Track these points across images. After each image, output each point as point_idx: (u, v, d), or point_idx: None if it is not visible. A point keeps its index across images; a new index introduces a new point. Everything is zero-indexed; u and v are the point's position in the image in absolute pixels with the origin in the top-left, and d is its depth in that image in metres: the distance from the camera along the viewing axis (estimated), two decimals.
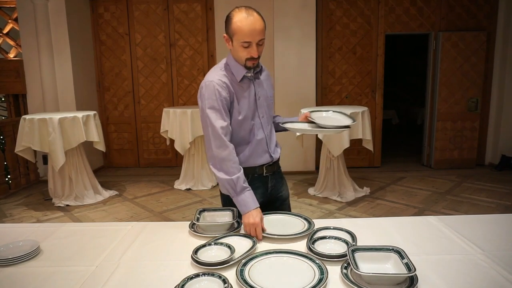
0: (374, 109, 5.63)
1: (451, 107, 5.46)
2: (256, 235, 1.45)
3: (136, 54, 5.91)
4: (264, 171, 1.74)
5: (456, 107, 5.46)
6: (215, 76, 1.60)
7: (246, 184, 1.58)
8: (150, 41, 5.87)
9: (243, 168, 1.62)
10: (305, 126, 1.81)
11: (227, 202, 1.78)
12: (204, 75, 1.80)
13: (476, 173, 5.33)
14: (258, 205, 1.56)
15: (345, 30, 5.52)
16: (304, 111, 4.27)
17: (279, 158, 1.85)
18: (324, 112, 1.91)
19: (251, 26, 1.49)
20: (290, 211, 1.91)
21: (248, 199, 1.55)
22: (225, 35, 1.60)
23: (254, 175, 1.72)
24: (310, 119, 1.79)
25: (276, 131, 1.91)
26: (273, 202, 1.85)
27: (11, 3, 5.43)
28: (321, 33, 5.51)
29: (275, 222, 1.57)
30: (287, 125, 1.80)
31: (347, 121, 1.82)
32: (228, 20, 1.55)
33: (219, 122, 1.56)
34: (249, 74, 1.66)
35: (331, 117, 1.87)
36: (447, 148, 5.57)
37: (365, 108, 4.28)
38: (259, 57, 1.59)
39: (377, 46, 5.53)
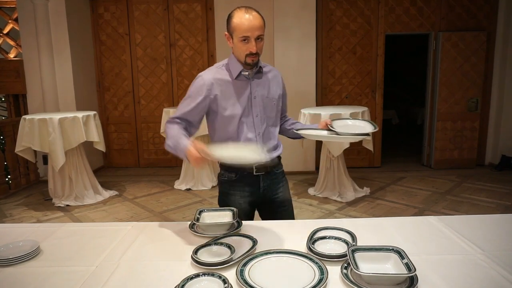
0: (374, 109, 5.63)
1: (451, 107, 5.46)
2: (207, 158, 1.40)
3: (136, 54, 5.91)
4: (254, 170, 1.73)
5: (456, 107, 5.46)
6: (206, 72, 1.70)
7: (176, 132, 1.58)
8: (150, 41, 5.87)
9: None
10: (321, 132, 1.74)
11: (224, 201, 1.79)
12: None
13: (476, 173, 5.33)
14: (190, 140, 1.50)
15: (345, 30, 5.52)
16: (305, 111, 4.28)
17: (277, 159, 1.82)
18: (350, 120, 1.82)
19: (249, 22, 1.57)
20: (292, 218, 1.88)
21: (179, 144, 1.51)
22: (226, 33, 1.66)
23: (243, 173, 1.73)
24: (330, 127, 1.72)
25: (292, 138, 1.92)
26: (268, 204, 1.83)
27: (11, 3, 5.44)
28: (321, 33, 5.51)
29: None
30: (302, 132, 1.76)
31: (369, 128, 1.74)
32: (228, 18, 1.63)
33: (182, 106, 1.67)
34: (246, 73, 1.68)
35: (356, 125, 1.78)
36: (447, 148, 5.57)
37: (365, 108, 4.29)
38: (258, 54, 1.63)
39: (377, 46, 5.53)
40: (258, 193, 1.78)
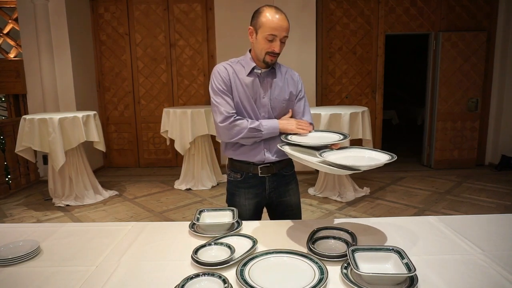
0: (374, 109, 5.63)
1: (451, 107, 5.46)
2: (304, 127, 1.63)
3: (136, 54, 5.92)
4: (259, 171, 1.71)
5: (456, 107, 5.46)
6: (221, 64, 1.72)
7: (256, 122, 1.65)
8: (150, 41, 5.87)
9: (238, 160, 1.72)
10: (307, 156, 1.46)
11: (230, 201, 1.79)
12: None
13: (476, 173, 5.33)
14: (277, 120, 1.68)
15: (345, 30, 5.53)
16: None
17: (286, 161, 1.76)
18: (369, 151, 1.51)
19: (279, 21, 1.56)
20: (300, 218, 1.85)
21: (268, 124, 1.64)
22: (250, 27, 1.64)
23: (248, 173, 1.72)
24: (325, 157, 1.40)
25: None
26: (275, 206, 1.81)
27: (11, 3, 5.44)
28: (321, 33, 5.51)
29: None
30: (286, 149, 1.52)
31: (383, 159, 1.37)
32: (257, 13, 1.62)
33: (219, 100, 1.65)
34: (259, 71, 1.67)
35: (372, 157, 1.44)
36: (447, 148, 5.57)
37: (365, 108, 4.28)
38: (278, 54, 1.62)
39: (377, 46, 5.53)
40: (263, 194, 1.76)
